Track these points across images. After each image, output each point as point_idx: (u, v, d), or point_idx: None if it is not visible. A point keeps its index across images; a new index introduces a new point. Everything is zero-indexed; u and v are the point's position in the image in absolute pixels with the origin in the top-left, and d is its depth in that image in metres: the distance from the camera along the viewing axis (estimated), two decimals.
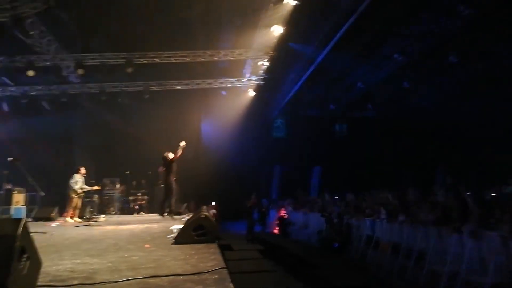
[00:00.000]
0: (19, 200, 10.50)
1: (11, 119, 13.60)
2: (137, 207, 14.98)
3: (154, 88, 14.88)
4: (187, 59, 13.03)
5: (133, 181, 15.88)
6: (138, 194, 15.20)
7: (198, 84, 15.18)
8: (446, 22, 10.62)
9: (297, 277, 6.26)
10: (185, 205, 13.34)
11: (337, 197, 12.09)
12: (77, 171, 10.57)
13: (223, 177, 16.35)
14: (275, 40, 12.15)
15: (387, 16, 11.01)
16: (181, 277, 3.06)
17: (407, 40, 12.22)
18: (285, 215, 13.64)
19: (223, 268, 3.43)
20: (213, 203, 13.94)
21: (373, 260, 7.80)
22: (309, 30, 11.96)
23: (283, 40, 11.86)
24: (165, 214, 9.78)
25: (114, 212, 14.67)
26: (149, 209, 15.21)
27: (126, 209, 15.17)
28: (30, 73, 11.87)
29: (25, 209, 10.90)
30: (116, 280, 2.94)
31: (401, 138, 16.91)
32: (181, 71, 14.51)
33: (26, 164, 8.06)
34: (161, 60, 12.94)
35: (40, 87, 13.84)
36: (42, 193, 7.86)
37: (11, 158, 7.67)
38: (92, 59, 12.51)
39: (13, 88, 13.86)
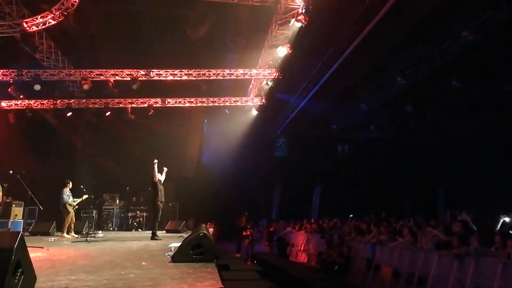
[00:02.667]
0: (17, 213, 10.44)
1: (16, 131, 13.71)
2: (135, 223, 14.86)
3: (158, 105, 14.99)
4: (192, 77, 13.16)
5: (133, 197, 15.82)
6: (137, 210, 15.12)
7: (202, 102, 15.30)
8: (449, 46, 10.75)
9: None
10: (183, 222, 13.24)
11: (338, 219, 11.97)
12: (65, 185, 10.51)
13: (223, 196, 16.27)
14: (279, 61, 12.31)
15: (391, 39, 11.17)
16: None
17: (410, 63, 12.35)
18: (285, 236, 13.47)
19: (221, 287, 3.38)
20: (214, 222, 13.81)
21: (373, 284, 7.66)
22: (313, 52, 12.13)
23: (287, 61, 12.01)
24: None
25: (112, 228, 14.56)
26: (147, 226, 15.09)
27: (124, 225, 15.05)
28: (37, 87, 12.01)
29: (23, 223, 10.83)
30: None
31: (403, 160, 16.87)
32: (185, 89, 14.66)
33: (26, 178, 8.04)
34: (166, 77, 13.07)
35: (45, 101, 13.98)
36: (41, 207, 7.83)
37: (12, 171, 7.69)
38: (98, 74, 12.66)
39: (18, 101, 14.00)
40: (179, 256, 5.15)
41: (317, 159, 18.31)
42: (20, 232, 2.50)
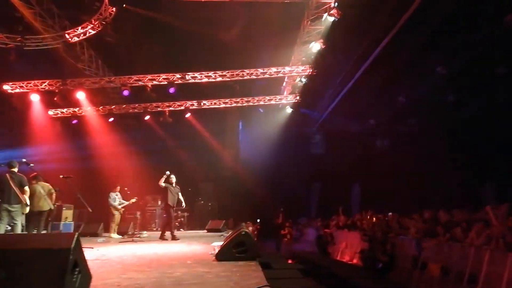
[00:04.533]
0: (68, 216, 11.03)
1: (63, 138, 14.50)
2: (177, 223, 15.22)
3: (194, 107, 15.28)
4: (226, 78, 13.30)
5: None
6: (178, 211, 15.47)
7: (237, 102, 15.42)
8: (492, 31, 10.19)
9: None
10: (223, 222, 13.40)
11: (380, 215, 11.66)
12: (113, 189, 11.00)
13: (261, 195, 16.30)
14: (312, 57, 12.17)
15: (429, 28, 10.75)
16: None
17: (451, 51, 11.82)
18: (324, 234, 13.31)
19: (267, 286, 3.38)
20: (252, 220, 13.90)
21: (419, 282, 7.40)
22: (348, 46, 11.89)
23: (321, 56, 11.84)
24: (166, 239, 9.91)
25: (155, 229, 15.00)
26: (188, 226, 15.43)
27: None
28: (81, 95, 12.59)
29: (73, 225, 11.41)
30: None
31: (445, 154, 16.17)
32: (219, 90, 14.84)
33: (75, 182, 8.47)
34: (201, 79, 13.29)
35: (88, 108, 14.64)
36: (90, 210, 8.23)
37: (62, 176, 8.13)
38: (137, 80, 13.08)
39: (64, 109, 14.77)
40: (222, 255, 5.22)
41: (355, 155, 17.94)
42: (76, 233, 2.61)
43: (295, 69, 13.16)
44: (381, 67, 12.62)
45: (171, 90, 12.98)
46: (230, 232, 9.82)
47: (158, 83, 13.05)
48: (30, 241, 2.68)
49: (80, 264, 2.66)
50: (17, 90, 12.99)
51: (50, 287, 2.40)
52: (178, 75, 13.08)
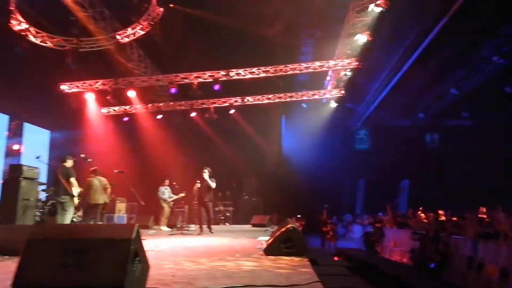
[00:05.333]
0: (121, 208, 11.60)
1: (115, 134, 15.29)
2: (222, 217, 15.52)
3: (238, 103, 15.45)
4: (269, 73, 13.30)
5: (219, 193, 16.52)
6: (223, 205, 15.78)
7: (280, 97, 15.39)
8: None
9: None
10: (268, 217, 13.47)
11: (431, 213, 11.18)
12: (162, 183, 11.38)
13: (305, 190, 16.19)
14: (358, 49, 11.86)
15: (484, 15, 10.10)
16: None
17: (507, 40, 11.06)
18: (372, 231, 12.97)
19: (318, 282, 3.36)
20: (298, 216, 13.85)
21: (475, 283, 7.02)
22: (395, 37, 11.47)
23: (367, 49, 11.51)
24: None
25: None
26: (234, 220, 15.68)
27: (213, 219, 15.79)
28: (131, 93, 13.14)
29: (126, 217, 11.99)
30: (216, 287, 3.04)
31: (500, 148, 15.19)
32: (262, 86, 14.87)
33: (128, 176, 8.89)
34: (244, 76, 13.39)
35: (138, 105, 15.28)
36: (142, 203, 8.62)
37: (117, 170, 8.57)
38: (183, 78, 13.43)
39: (116, 108, 15.51)
40: (271, 250, 5.25)
41: (402, 150, 17.31)
42: (136, 224, 2.74)
43: (340, 63, 12.89)
44: (431, 58, 12.05)
45: (216, 87, 13.20)
46: (275, 227, 9.86)
47: (203, 80, 13.32)
48: (95, 231, 2.85)
49: (140, 254, 2.78)
50: (74, 90, 13.82)
51: (114, 274, 2.53)
52: (222, 72, 13.27)
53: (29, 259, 2.67)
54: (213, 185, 9.54)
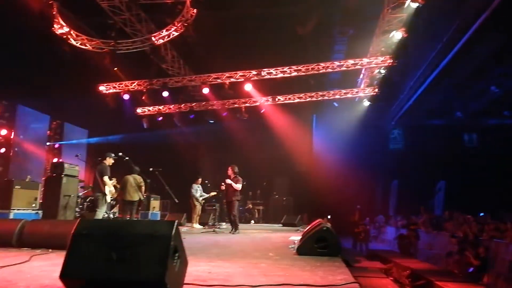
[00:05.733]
0: (155, 206, 11.91)
1: (150, 134, 15.76)
2: (250, 215, 15.65)
3: (269, 102, 15.47)
4: (301, 72, 13.23)
5: (249, 192, 16.63)
6: (254, 204, 15.89)
7: (311, 96, 15.28)
8: None
9: None
10: (298, 217, 13.43)
11: (469, 216, 10.77)
12: (195, 181, 11.57)
13: (337, 190, 15.99)
14: (393, 47, 11.57)
15: None
16: (313, 287, 3.05)
17: None
18: (407, 233, 12.65)
19: (355, 283, 3.32)
20: (328, 216, 13.72)
21: None
22: (432, 33, 11.10)
23: (402, 46, 11.22)
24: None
25: None
26: (264, 219, 15.74)
27: (243, 218, 15.92)
28: (165, 93, 13.48)
29: (159, 214, 12.30)
30: (253, 285, 3.07)
31: None
32: (293, 85, 14.81)
33: (162, 174, 9.13)
34: (276, 75, 13.39)
35: (172, 105, 15.64)
36: (176, 200, 8.83)
37: (152, 169, 8.82)
38: (215, 78, 13.61)
39: (150, 107, 15.95)
40: (304, 249, 5.23)
41: (438, 150, 16.72)
42: (176, 221, 2.81)
43: (373, 61, 12.63)
44: (469, 54, 11.57)
45: (247, 86, 13.28)
46: (306, 227, 9.80)
47: (235, 80, 13.44)
48: (136, 226, 2.94)
49: (179, 250, 2.85)
50: (111, 91, 14.33)
51: (155, 269, 2.60)
52: (254, 72, 13.33)
53: (75, 253, 2.79)
54: (236, 186, 9.34)
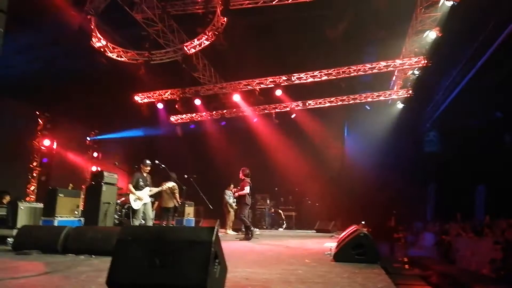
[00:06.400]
0: (189, 212, 12.11)
1: (183, 141, 16.10)
2: (285, 222, 15.58)
3: (299, 107, 15.43)
4: (332, 76, 13.12)
5: (281, 198, 16.60)
6: (286, 210, 15.83)
7: (342, 100, 15.10)
8: None
9: None
10: (332, 222, 13.26)
11: None
12: (228, 187, 11.69)
13: (370, 196, 15.65)
14: (427, 47, 11.27)
15: None
16: None
17: None
18: (446, 239, 12.16)
19: None
20: (363, 222, 13.44)
21: None
22: (468, 31, 10.71)
23: (436, 46, 10.91)
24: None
25: (265, 227, 15.55)
26: (296, 225, 15.64)
27: (276, 224, 15.90)
28: (197, 101, 13.74)
29: (194, 221, 12.48)
30: None
31: None
32: (324, 89, 14.71)
33: (196, 181, 9.30)
34: (306, 80, 13.35)
35: (204, 113, 15.93)
36: (211, 207, 8.97)
37: (187, 175, 9.01)
38: (245, 85, 13.74)
39: (183, 116, 16.31)
40: (341, 256, 5.16)
41: (477, 152, 16.02)
42: (215, 227, 2.85)
43: (407, 62, 12.34)
44: (509, 52, 11.07)
45: (278, 92, 13.31)
46: (341, 233, 9.65)
47: (265, 86, 13.51)
48: (178, 232, 3.01)
49: (219, 256, 2.90)
50: (146, 100, 14.78)
51: (197, 275, 2.65)
52: (284, 77, 13.35)
53: (120, 259, 2.89)
54: (243, 191, 9.27)
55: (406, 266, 10.08)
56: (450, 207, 15.39)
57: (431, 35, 10.60)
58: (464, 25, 10.62)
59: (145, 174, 8.07)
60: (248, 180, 9.41)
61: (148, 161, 8.12)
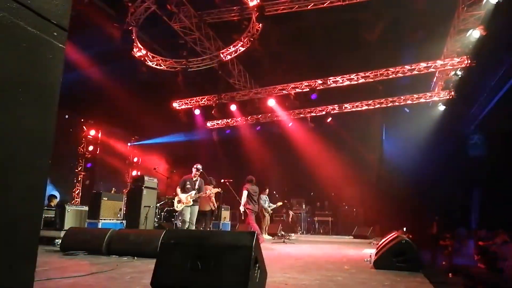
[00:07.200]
0: (225, 216, 12.25)
1: (219, 146, 16.38)
2: (321, 227, 15.39)
3: (335, 111, 15.24)
4: (369, 79, 12.88)
5: (317, 202, 16.42)
6: (322, 215, 15.64)
7: (380, 103, 14.77)
8: None
9: None
10: (370, 228, 12.96)
11: None
12: (262, 192, 11.70)
13: (410, 201, 15.14)
14: (470, 46, 10.81)
15: None
16: None
17: None
18: (494, 247, 11.54)
19: None
20: (404, 229, 13.03)
21: None
22: None
23: (480, 45, 10.44)
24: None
25: (301, 232, 15.43)
26: (333, 231, 15.40)
27: (312, 229, 15.75)
28: (233, 107, 13.92)
29: (230, 224, 12.61)
30: None
31: None
32: (361, 93, 14.44)
33: (233, 185, 9.42)
34: (342, 83, 13.18)
35: (239, 118, 16.11)
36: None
37: (223, 180, 9.15)
38: (281, 89, 13.76)
39: (219, 121, 16.58)
40: (381, 263, 5.04)
41: None
42: (256, 232, 2.88)
43: (449, 62, 11.88)
44: None
45: (313, 96, 13.22)
46: (380, 240, 9.40)
47: (301, 90, 13.47)
48: (219, 237, 3.07)
49: (260, 260, 2.93)
50: (183, 107, 15.17)
51: (238, 279, 2.69)
52: (319, 81, 13.25)
53: (164, 261, 2.99)
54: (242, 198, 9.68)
55: (450, 275, 9.67)
56: (496, 213, 14.60)
57: (475, 34, 10.16)
58: (510, 23, 10.11)
59: (194, 178, 8.24)
60: (247, 186, 9.54)
61: (199, 166, 8.30)
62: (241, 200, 9.77)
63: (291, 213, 15.16)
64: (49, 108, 1.46)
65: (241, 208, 9.88)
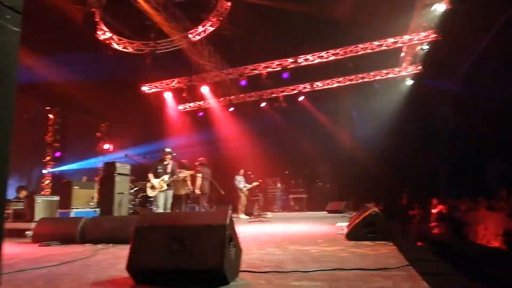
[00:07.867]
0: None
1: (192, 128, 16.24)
2: (296, 204, 15.71)
3: (307, 89, 15.34)
4: (339, 56, 12.97)
5: (292, 180, 16.68)
6: (296, 193, 15.94)
7: (351, 80, 14.95)
8: None
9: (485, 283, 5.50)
10: (344, 203, 13.31)
11: None
12: (238, 173, 11.80)
13: (381, 175, 15.62)
14: (436, 20, 11.02)
15: None
16: (367, 271, 3.07)
17: None
18: (459, 214, 12.15)
19: (408, 265, 3.30)
20: (373, 202, 13.49)
21: None
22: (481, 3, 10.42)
23: (447, 18, 10.64)
24: None
25: (276, 210, 15.70)
26: (308, 207, 15.74)
27: (286, 207, 16.05)
28: (205, 89, 13.75)
29: (207, 207, 12.64)
30: (306, 270, 3.13)
31: None
32: (332, 71, 14.55)
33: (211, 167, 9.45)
34: (313, 61, 13.22)
35: (211, 100, 15.95)
36: (223, 193, 9.10)
37: (197, 163, 9.13)
38: (252, 69, 13.68)
39: (191, 104, 16.37)
40: (353, 234, 5.22)
41: (492, 127, 15.76)
42: (230, 211, 2.92)
43: (415, 37, 12.10)
44: None
45: (285, 75, 13.23)
46: (352, 213, 9.71)
47: (272, 69, 13.43)
48: (194, 218, 3.08)
49: (234, 239, 2.97)
50: (153, 90, 14.86)
51: (213, 258, 2.73)
52: (290, 60, 13.25)
53: (139, 245, 2.99)
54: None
55: (418, 242, 10.13)
56: (463, 183, 15.29)
57: (440, 7, 10.35)
58: None
59: (165, 162, 8.11)
60: (199, 169, 9.73)
61: (168, 149, 8.18)
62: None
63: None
64: (5, 94, 1.41)
65: (197, 191, 10.07)
